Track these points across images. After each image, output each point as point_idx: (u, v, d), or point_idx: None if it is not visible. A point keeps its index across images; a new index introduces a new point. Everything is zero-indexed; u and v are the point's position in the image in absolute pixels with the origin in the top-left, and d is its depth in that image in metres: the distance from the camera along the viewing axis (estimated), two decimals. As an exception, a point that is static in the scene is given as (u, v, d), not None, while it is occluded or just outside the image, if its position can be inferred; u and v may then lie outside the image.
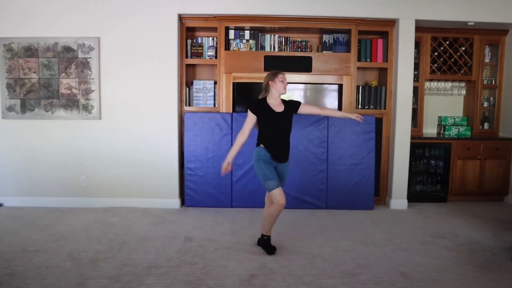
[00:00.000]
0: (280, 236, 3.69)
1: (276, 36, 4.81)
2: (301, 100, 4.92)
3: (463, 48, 5.11)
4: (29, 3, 4.50)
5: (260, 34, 4.80)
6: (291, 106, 3.38)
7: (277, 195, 3.16)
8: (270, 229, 3.36)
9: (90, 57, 4.56)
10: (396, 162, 4.76)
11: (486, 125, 5.29)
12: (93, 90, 4.59)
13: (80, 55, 4.56)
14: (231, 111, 4.75)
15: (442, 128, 5.15)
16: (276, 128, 3.28)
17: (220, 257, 3.29)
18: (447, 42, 5.08)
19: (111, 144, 4.66)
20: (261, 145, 3.27)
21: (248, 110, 3.30)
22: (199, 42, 4.86)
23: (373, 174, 4.67)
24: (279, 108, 3.31)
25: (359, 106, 4.87)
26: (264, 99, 3.33)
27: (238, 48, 4.76)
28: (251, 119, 3.29)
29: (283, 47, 4.82)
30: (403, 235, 3.87)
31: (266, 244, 3.37)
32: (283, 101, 3.38)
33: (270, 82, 3.27)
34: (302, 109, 3.41)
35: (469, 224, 4.20)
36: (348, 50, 4.78)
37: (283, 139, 3.34)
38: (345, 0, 4.53)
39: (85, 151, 4.66)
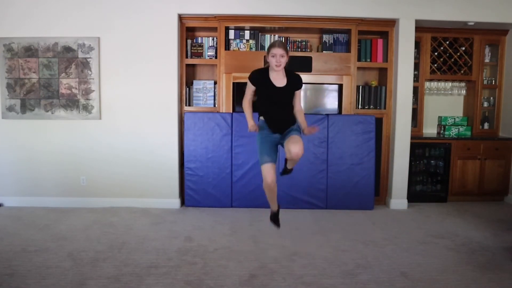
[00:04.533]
0: (280, 236, 3.69)
1: (276, 36, 4.81)
2: (302, 101, 4.93)
3: (463, 48, 5.11)
4: (29, 3, 4.49)
5: (260, 34, 4.80)
6: (295, 82, 3.12)
7: (264, 171, 3.02)
8: (272, 203, 3.25)
9: (90, 57, 4.56)
10: (396, 162, 4.76)
11: (486, 125, 5.29)
12: (93, 90, 4.59)
13: (80, 55, 4.56)
14: (231, 111, 4.75)
15: (442, 128, 5.15)
16: (273, 101, 3.09)
17: (220, 257, 3.29)
18: (447, 42, 5.08)
19: (111, 144, 4.66)
20: (261, 118, 3.16)
21: (248, 80, 3.14)
22: (199, 42, 4.86)
23: (373, 174, 4.67)
24: (280, 82, 3.07)
25: (359, 106, 4.88)
26: (267, 69, 3.12)
27: (238, 48, 4.76)
28: (249, 88, 3.15)
29: (283, 47, 4.81)
30: (403, 235, 3.87)
31: (273, 219, 3.32)
32: (289, 74, 3.11)
33: (266, 56, 3.08)
34: (297, 93, 3.17)
35: (469, 224, 4.20)
36: (348, 50, 4.78)
37: (281, 110, 3.12)
38: (345, 0, 4.53)
39: (85, 151, 4.66)
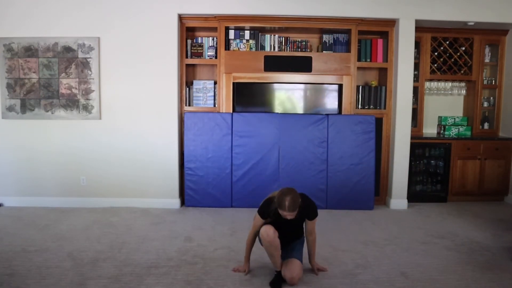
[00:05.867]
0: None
1: (276, 36, 4.81)
2: (301, 101, 4.97)
3: (463, 48, 5.11)
4: (29, 3, 4.49)
5: (260, 34, 4.80)
6: (306, 213, 2.86)
7: (263, 228, 2.81)
8: (275, 260, 2.86)
9: (90, 57, 4.56)
10: (396, 162, 4.76)
11: (486, 125, 5.29)
12: (93, 90, 4.59)
13: (80, 55, 4.56)
14: (231, 111, 4.75)
15: (442, 128, 5.15)
16: (281, 229, 2.84)
17: (220, 257, 3.29)
18: (447, 42, 5.08)
19: (111, 144, 4.66)
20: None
21: (257, 213, 2.88)
22: (199, 42, 4.86)
23: (373, 174, 4.67)
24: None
25: (359, 106, 4.88)
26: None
27: (238, 48, 4.76)
28: (258, 220, 2.87)
29: (283, 47, 4.82)
30: (403, 235, 3.87)
31: (274, 284, 2.85)
32: (302, 205, 2.79)
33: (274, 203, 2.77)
34: (310, 223, 2.92)
35: (469, 224, 4.20)
36: (348, 50, 4.78)
37: (286, 238, 2.92)
38: (345, 0, 4.53)
39: (85, 151, 4.66)
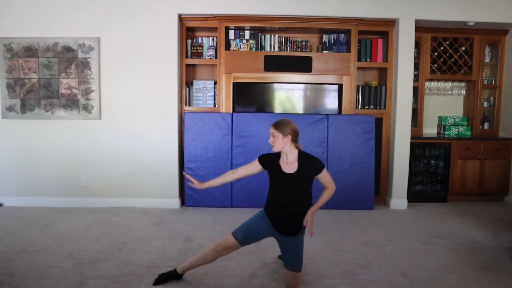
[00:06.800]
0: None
1: (276, 36, 4.81)
2: (301, 101, 4.96)
3: (463, 48, 5.11)
4: (29, 3, 4.50)
5: (260, 34, 4.80)
6: (310, 168, 2.66)
7: (226, 237, 2.75)
8: (190, 266, 2.83)
9: (90, 57, 4.56)
10: (396, 162, 4.76)
11: (486, 125, 5.29)
12: (93, 90, 4.59)
13: (80, 55, 4.56)
14: (231, 111, 4.75)
15: (442, 128, 5.15)
16: (281, 190, 2.68)
17: (220, 257, 3.28)
18: (447, 42, 5.08)
19: (111, 144, 4.66)
20: (263, 208, 2.79)
21: (257, 158, 2.79)
22: (199, 42, 4.86)
23: (373, 174, 4.67)
24: (290, 167, 2.66)
25: (359, 106, 4.88)
26: (279, 153, 2.72)
27: (238, 48, 4.76)
28: (251, 166, 2.78)
29: (283, 47, 4.82)
30: (403, 235, 3.87)
31: (167, 277, 2.84)
32: (302, 158, 2.68)
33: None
34: (321, 177, 2.70)
35: (469, 224, 4.20)
36: (348, 50, 4.78)
37: (290, 206, 2.66)
38: (345, 0, 4.53)
39: (85, 151, 4.66)
